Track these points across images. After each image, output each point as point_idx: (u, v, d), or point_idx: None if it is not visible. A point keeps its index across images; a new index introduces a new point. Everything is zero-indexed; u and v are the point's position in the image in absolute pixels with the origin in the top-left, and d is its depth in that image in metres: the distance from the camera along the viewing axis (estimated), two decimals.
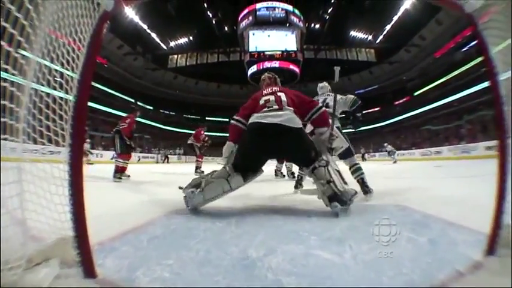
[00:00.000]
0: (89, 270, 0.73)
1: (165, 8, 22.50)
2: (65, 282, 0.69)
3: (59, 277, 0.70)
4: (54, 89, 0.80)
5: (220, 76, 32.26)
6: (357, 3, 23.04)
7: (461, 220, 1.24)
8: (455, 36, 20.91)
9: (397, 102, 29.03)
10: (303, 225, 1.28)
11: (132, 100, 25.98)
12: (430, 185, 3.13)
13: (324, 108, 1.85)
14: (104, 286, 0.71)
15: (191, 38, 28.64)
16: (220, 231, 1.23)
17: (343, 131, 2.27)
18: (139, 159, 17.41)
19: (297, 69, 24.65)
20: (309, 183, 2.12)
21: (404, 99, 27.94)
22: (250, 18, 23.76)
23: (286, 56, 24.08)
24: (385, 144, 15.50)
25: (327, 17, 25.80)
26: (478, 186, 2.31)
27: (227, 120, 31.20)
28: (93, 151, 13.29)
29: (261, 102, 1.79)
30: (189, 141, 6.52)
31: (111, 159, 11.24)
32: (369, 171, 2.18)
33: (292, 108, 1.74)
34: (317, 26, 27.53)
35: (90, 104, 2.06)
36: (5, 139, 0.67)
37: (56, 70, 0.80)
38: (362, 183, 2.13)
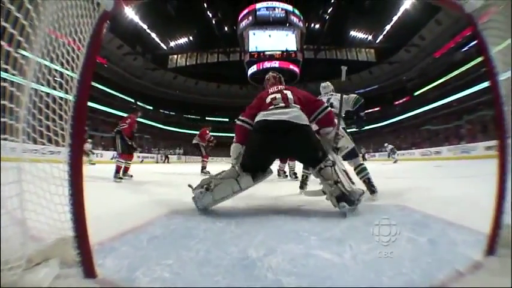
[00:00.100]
0: (88, 270, 0.73)
1: (165, 8, 22.49)
2: (65, 282, 0.69)
3: (58, 277, 0.70)
4: (54, 89, 0.80)
5: (220, 76, 32.21)
6: (357, 3, 23.04)
7: (461, 220, 1.24)
8: (455, 36, 20.88)
9: (397, 102, 28.99)
10: (303, 225, 1.28)
11: (132, 100, 25.93)
12: (430, 185, 3.13)
13: (329, 108, 1.84)
14: (104, 286, 0.71)
15: (191, 38, 28.62)
16: (220, 231, 1.23)
17: (348, 131, 2.25)
18: (142, 160, 17.32)
19: (296, 69, 24.62)
20: (314, 183, 2.10)
21: (404, 99, 27.90)
22: (250, 18, 23.76)
23: (286, 56, 24.07)
24: (386, 144, 15.50)
25: (327, 17, 25.77)
26: (478, 186, 2.31)
27: (227, 120, 31.29)
28: (94, 151, 13.25)
29: (268, 100, 1.78)
30: (194, 141, 6.44)
31: (112, 159, 11.24)
32: (369, 171, 2.18)
33: (298, 106, 1.73)
34: (317, 26, 27.49)
35: (90, 104, 2.06)
36: (5, 139, 0.67)
37: (56, 70, 0.80)
38: (368, 183, 2.12)
